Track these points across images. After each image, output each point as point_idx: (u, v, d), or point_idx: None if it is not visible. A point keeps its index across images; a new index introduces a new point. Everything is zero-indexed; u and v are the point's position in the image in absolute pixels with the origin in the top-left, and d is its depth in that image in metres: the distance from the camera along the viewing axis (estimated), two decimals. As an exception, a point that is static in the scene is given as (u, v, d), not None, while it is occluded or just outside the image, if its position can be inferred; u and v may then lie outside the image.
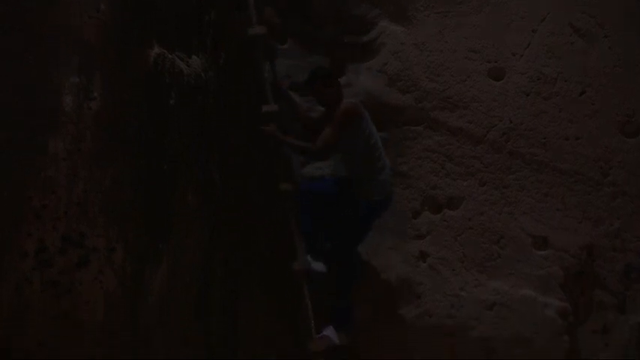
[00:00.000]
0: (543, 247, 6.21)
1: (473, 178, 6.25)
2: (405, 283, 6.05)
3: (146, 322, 4.40)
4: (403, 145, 6.23)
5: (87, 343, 4.12)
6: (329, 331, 5.56)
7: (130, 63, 4.47)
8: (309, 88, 5.80)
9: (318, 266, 5.62)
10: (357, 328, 5.82)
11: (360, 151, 5.60)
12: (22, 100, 4.09)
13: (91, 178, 4.17)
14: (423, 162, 6.22)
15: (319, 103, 5.81)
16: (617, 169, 6.31)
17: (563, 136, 6.32)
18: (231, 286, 5.37)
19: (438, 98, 6.30)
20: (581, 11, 6.44)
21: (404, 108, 6.26)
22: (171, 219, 4.71)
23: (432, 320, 6.05)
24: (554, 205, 6.25)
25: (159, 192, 4.60)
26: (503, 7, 6.41)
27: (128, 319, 4.28)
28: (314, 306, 5.47)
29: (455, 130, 6.28)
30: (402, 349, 6.05)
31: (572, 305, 6.17)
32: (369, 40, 6.34)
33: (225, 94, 5.53)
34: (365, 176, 5.64)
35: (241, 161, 5.69)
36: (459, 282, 6.12)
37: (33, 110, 4.11)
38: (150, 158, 4.54)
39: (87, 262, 4.08)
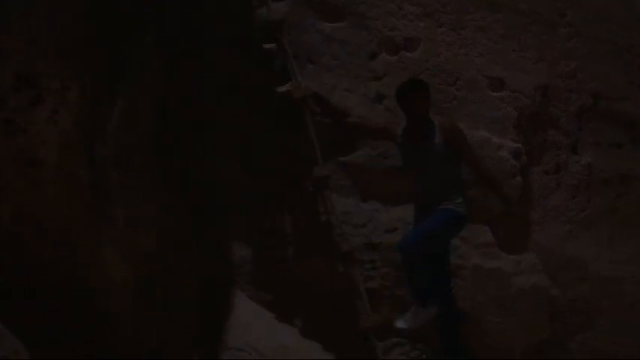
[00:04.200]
0: (499, 89, 6.23)
1: (430, 19, 6.19)
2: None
3: (103, 162, 4.40)
4: (361, -14, 6.15)
5: (45, 183, 4.14)
6: None
7: None
8: (401, 98, 5.74)
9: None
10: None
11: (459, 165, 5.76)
12: None
13: (47, 16, 4.09)
14: (381, 2, 6.13)
15: (406, 112, 5.74)
16: (574, 10, 6.30)
17: (521, -25, 6.28)
18: (188, 122, 5.35)
19: (396, -63, 6.19)
20: None
21: (361, -53, 6.15)
22: (127, 58, 4.65)
23: (387, 162, 6.07)
24: (511, 46, 6.25)
25: (114, 30, 4.52)
26: None
27: (84, 159, 4.29)
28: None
29: (413, -30, 6.19)
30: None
31: (526, 146, 6.24)
32: None
33: None
34: (459, 189, 5.71)
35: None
36: (415, 123, 6.13)
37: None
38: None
39: (41, 101, 4.05)
